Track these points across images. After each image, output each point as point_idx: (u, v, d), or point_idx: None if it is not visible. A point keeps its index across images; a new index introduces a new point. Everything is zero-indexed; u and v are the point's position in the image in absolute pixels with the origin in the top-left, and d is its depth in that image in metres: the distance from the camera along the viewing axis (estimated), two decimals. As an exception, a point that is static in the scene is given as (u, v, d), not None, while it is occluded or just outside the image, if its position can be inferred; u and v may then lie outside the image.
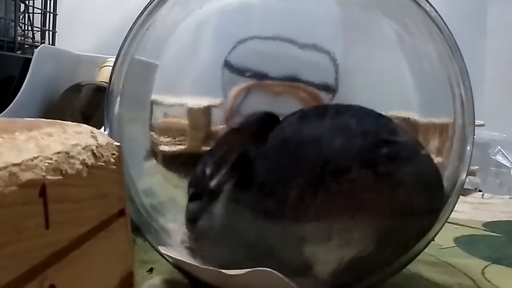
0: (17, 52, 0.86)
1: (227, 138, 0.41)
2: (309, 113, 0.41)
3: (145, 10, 0.44)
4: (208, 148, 0.43)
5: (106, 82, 0.49)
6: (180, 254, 0.42)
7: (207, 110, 0.42)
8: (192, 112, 0.43)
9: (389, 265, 0.41)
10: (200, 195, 0.42)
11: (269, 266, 0.36)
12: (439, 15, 0.43)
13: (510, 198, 0.99)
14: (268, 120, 0.40)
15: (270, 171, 0.39)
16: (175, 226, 0.44)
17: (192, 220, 0.43)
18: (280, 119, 0.40)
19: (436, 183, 0.41)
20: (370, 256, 0.38)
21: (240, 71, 0.42)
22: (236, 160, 0.40)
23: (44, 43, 0.93)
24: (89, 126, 0.25)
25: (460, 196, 0.44)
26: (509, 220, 0.78)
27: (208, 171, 0.41)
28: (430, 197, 0.40)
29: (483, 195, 1.00)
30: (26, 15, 0.91)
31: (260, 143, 0.40)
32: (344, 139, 0.38)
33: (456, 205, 0.43)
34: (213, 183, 0.40)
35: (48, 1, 0.95)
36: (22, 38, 0.90)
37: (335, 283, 0.39)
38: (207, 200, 0.41)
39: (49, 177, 0.19)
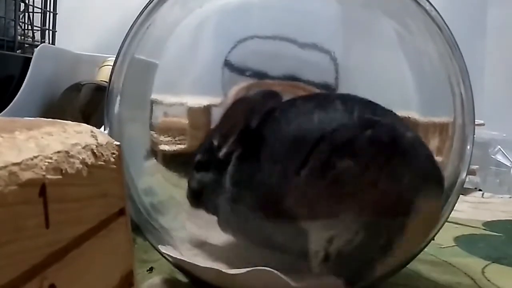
0: (17, 51, 0.86)
1: (233, 109, 0.41)
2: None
3: (145, 9, 0.44)
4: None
5: (106, 82, 0.49)
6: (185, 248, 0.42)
7: (207, 109, 0.42)
8: (192, 112, 0.43)
9: (385, 255, 0.40)
10: (207, 165, 0.42)
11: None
12: (439, 14, 0.43)
13: (510, 197, 0.99)
14: (270, 97, 0.40)
15: (265, 147, 0.39)
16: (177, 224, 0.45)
17: (198, 190, 0.42)
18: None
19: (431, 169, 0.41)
20: (362, 247, 0.38)
21: (240, 71, 0.42)
22: (240, 131, 0.40)
23: (44, 42, 0.93)
24: (89, 126, 0.25)
25: (460, 196, 0.44)
26: (509, 220, 0.78)
27: (215, 142, 0.41)
28: (424, 182, 0.40)
29: (483, 194, 1.00)
30: (26, 14, 0.91)
31: (261, 117, 0.40)
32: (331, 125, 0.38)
33: (456, 205, 0.43)
34: (221, 153, 0.41)
35: (48, 1, 0.95)
36: (22, 37, 0.90)
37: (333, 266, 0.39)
38: (214, 171, 0.41)
39: (49, 176, 0.19)
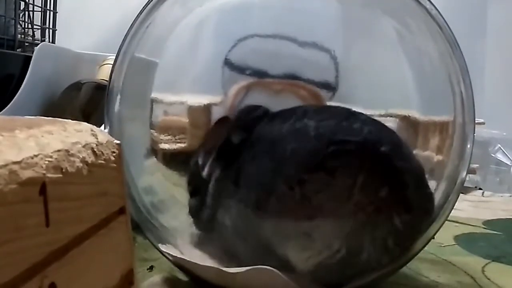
0: (17, 50, 0.86)
1: (214, 129, 0.41)
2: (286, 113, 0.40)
3: (145, 8, 0.44)
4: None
5: (106, 80, 0.49)
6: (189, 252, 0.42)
7: (207, 108, 0.42)
8: (192, 110, 0.43)
9: (377, 267, 0.40)
10: (198, 189, 0.42)
11: (258, 258, 0.37)
12: (440, 13, 0.43)
13: (510, 196, 0.99)
14: (256, 112, 0.40)
15: (246, 163, 0.39)
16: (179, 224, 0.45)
17: (193, 215, 0.43)
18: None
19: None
20: (345, 256, 0.37)
21: (240, 69, 0.42)
22: (220, 149, 0.40)
23: (44, 41, 0.93)
24: (89, 124, 0.25)
25: (460, 194, 0.44)
26: (509, 218, 0.78)
27: (200, 161, 0.41)
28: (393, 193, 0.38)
29: (483, 193, 1.00)
30: (26, 13, 0.91)
31: (245, 133, 0.40)
32: (300, 142, 0.38)
33: (456, 203, 0.43)
34: (204, 173, 0.41)
35: (48, -1, 0.95)
36: (22, 36, 0.90)
37: (319, 277, 0.39)
38: (203, 193, 0.42)
39: (49, 175, 0.19)
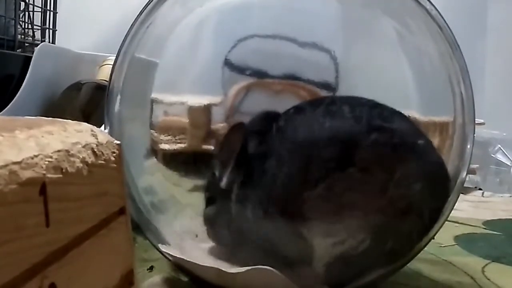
0: (17, 50, 0.86)
1: (228, 137, 0.41)
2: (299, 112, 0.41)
3: (145, 8, 0.44)
4: (209, 147, 0.43)
5: (106, 81, 0.49)
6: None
7: (207, 108, 0.42)
8: (192, 111, 0.43)
9: (390, 262, 0.41)
10: (214, 198, 0.42)
11: (275, 262, 0.37)
12: (440, 13, 0.43)
13: (510, 196, 0.99)
14: (269, 118, 0.40)
15: (268, 169, 0.39)
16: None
17: (210, 224, 0.43)
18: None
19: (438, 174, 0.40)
20: (366, 251, 0.38)
21: (240, 70, 0.42)
22: (237, 158, 0.40)
23: (44, 41, 0.93)
24: (89, 125, 0.25)
25: (460, 195, 0.44)
26: (509, 219, 0.78)
27: (217, 173, 0.41)
28: (430, 189, 0.39)
29: (483, 193, 1.00)
30: (26, 13, 0.91)
31: (260, 140, 0.40)
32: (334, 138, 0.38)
33: (456, 204, 0.43)
34: (223, 183, 0.41)
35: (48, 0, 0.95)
36: (22, 36, 0.90)
37: (332, 276, 0.39)
38: (220, 202, 0.41)
39: (49, 175, 0.19)
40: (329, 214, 0.38)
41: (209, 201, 0.43)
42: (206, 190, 0.43)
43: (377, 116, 0.39)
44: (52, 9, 0.96)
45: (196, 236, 0.44)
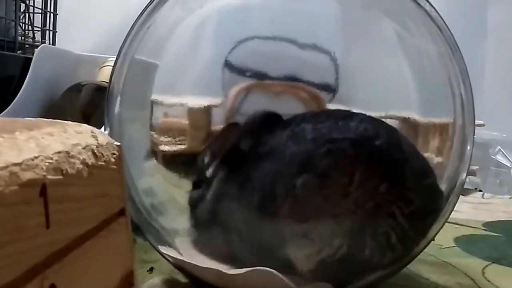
0: (18, 52, 0.86)
1: (225, 132, 0.42)
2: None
3: (145, 9, 0.45)
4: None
5: (107, 82, 0.49)
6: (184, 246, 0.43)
7: (207, 110, 0.42)
8: (192, 112, 0.43)
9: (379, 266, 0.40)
10: (200, 182, 0.43)
11: (256, 258, 0.38)
12: (439, 15, 0.43)
13: (510, 198, 0.99)
14: (268, 119, 0.40)
15: (254, 170, 0.40)
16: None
17: (192, 206, 0.44)
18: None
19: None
20: (347, 255, 0.37)
21: (240, 71, 0.42)
22: (227, 153, 0.41)
23: (44, 43, 0.93)
24: (89, 126, 0.25)
25: (460, 196, 0.44)
26: (509, 220, 0.78)
27: (205, 160, 0.42)
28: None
29: (483, 195, 1.00)
30: (27, 14, 0.91)
31: (255, 140, 0.40)
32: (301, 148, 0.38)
33: (456, 205, 0.43)
34: (208, 172, 0.42)
35: (49, 1, 0.95)
36: (23, 38, 0.90)
37: (320, 279, 0.39)
38: (205, 187, 0.42)
39: (49, 176, 0.19)
40: (299, 216, 0.37)
41: (195, 185, 0.43)
42: (194, 173, 0.44)
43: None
44: (52, 10, 0.96)
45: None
